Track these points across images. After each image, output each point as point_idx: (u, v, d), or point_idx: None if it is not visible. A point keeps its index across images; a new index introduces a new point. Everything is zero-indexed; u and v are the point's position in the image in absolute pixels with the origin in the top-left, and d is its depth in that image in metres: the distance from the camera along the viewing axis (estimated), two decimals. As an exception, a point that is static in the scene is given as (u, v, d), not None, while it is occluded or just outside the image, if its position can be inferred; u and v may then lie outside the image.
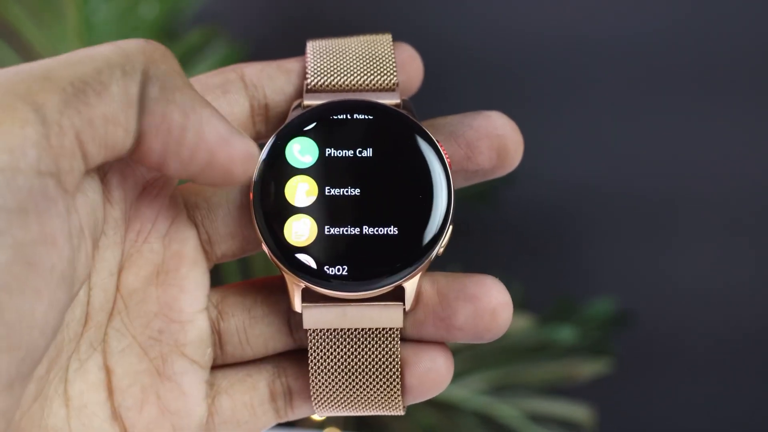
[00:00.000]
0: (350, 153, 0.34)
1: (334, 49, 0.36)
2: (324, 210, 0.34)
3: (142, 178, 0.34)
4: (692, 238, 0.74)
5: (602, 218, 0.76)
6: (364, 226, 0.33)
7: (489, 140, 0.34)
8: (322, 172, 0.34)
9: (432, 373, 0.34)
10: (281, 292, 0.35)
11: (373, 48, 0.36)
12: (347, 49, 0.36)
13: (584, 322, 0.68)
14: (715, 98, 0.73)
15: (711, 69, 0.72)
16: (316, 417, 0.61)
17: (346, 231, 0.33)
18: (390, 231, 0.33)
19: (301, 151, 0.34)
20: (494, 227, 0.75)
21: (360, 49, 0.36)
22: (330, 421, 0.61)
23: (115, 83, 0.29)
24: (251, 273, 0.63)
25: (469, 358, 0.64)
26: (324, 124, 0.34)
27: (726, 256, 0.74)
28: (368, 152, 0.34)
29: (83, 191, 0.31)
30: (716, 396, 0.75)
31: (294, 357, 0.36)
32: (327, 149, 0.34)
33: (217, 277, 0.36)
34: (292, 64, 0.36)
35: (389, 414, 0.35)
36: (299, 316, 0.34)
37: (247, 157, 0.31)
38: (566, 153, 0.74)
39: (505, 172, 0.35)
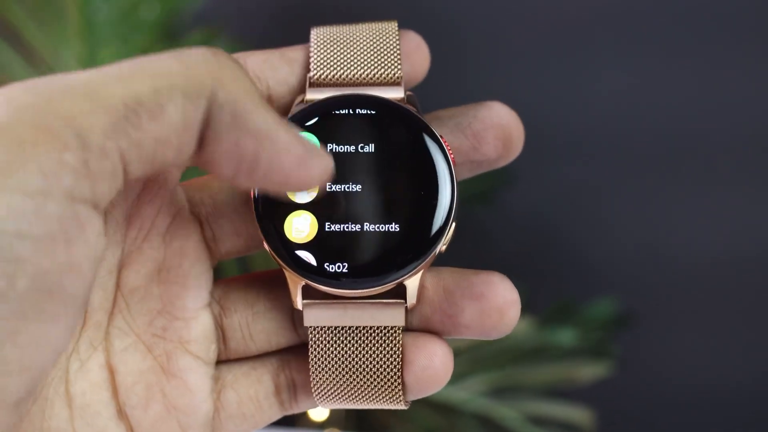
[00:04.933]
0: (352, 148, 0.34)
1: (338, 39, 0.35)
2: (325, 206, 0.33)
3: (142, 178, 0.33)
4: (694, 233, 0.74)
5: (601, 217, 0.76)
6: (366, 223, 0.33)
7: (494, 130, 0.34)
8: None
9: (429, 371, 0.33)
10: (283, 287, 0.34)
11: (378, 38, 0.35)
12: (352, 39, 0.35)
13: (585, 323, 0.68)
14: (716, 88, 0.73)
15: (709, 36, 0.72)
16: (317, 418, 0.61)
17: (348, 227, 0.33)
18: (392, 228, 0.33)
19: None
20: (494, 228, 0.75)
21: (365, 39, 0.35)
22: (330, 422, 0.61)
23: (174, 106, 0.27)
24: (252, 270, 0.63)
25: (469, 360, 0.64)
26: (326, 119, 0.34)
27: (731, 253, 0.74)
28: (370, 148, 0.34)
29: None
30: (716, 396, 0.75)
31: (297, 350, 0.35)
32: (329, 144, 0.34)
33: (217, 274, 0.36)
34: (295, 53, 0.35)
35: (391, 408, 0.34)
36: (301, 313, 0.34)
37: (323, 175, 0.30)
38: (566, 152, 0.74)
39: (507, 161, 0.35)
